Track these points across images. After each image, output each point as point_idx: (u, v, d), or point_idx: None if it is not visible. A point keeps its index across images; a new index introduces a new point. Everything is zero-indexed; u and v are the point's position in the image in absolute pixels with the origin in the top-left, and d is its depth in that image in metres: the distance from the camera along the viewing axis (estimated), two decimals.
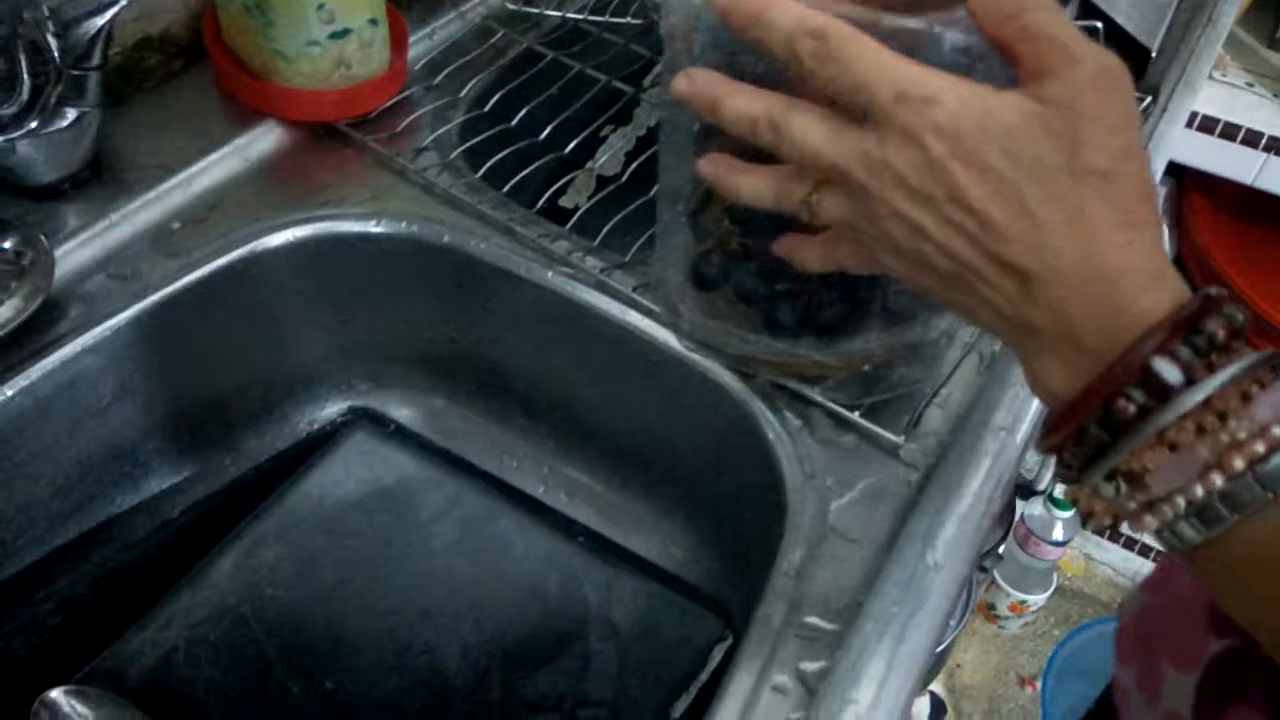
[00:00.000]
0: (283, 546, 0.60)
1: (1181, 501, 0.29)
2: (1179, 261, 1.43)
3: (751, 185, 0.36)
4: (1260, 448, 0.28)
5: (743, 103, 0.34)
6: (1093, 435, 0.30)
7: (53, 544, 0.56)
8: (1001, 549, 1.47)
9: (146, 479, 0.60)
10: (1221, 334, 0.29)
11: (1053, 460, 0.33)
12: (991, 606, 1.52)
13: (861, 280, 0.47)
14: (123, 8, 0.53)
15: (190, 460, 0.62)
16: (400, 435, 0.67)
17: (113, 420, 0.57)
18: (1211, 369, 0.28)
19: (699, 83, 0.35)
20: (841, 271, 0.48)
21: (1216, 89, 1.22)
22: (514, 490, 0.65)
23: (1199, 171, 1.25)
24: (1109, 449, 0.30)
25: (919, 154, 0.30)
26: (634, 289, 0.58)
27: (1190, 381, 0.28)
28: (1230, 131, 1.19)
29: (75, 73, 0.54)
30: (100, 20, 0.53)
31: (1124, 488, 0.30)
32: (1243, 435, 0.28)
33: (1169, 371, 0.28)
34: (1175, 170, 1.30)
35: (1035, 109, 0.30)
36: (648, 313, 0.57)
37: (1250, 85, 1.23)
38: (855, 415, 0.51)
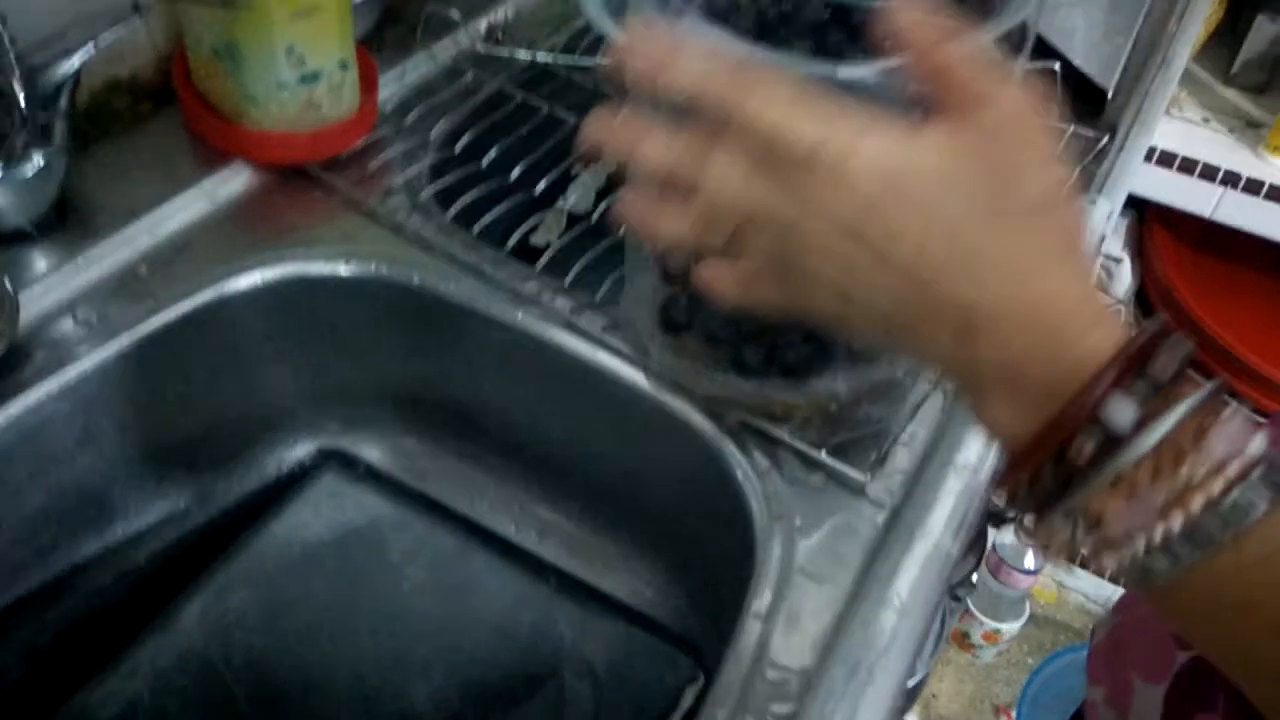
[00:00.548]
0: (251, 591, 0.60)
1: (1141, 542, 0.28)
2: (1141, 292, 1.45)
3: (672, 228, 0.34)
4: (1218, 486, 0.27)
5: (655, 148, 0.33)
6: (1048, 478, 0.30)
7: (14, 594, 0.55)
8: (974, 578, 1.47)
9: (111, 525, 0.59)
10: (1170, 370, 0.28)
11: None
12: (966, 635, 1.53)
13: None
14: (91, 55, 0.53)
15: (156, 506, 0.61)
16: (370, 476, 0.67)
17: (77, 467, 0.56)
18: (1163, 406, 0.28)
19: (608, 128, 0.34)
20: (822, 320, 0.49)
21: (1174, 124, 1.25)
22: (485, 530, 0.65)
23: (1160, 204, 1.28)
24: (1065, 491, 0.29)
25: (849, 195, 0.30)
26: (603, 329, 0.58)
27: (1143, 422, 0.28)
28: (1188, 165, 1.22)
29: (42, 118, 0.54)
30: (68, 66, 0.53)
31: (1081, 527, 0.29)
32: (1199, 474, 0.27)
33: (1121, 414, 0.28)
34: (1136, 203, 1.33)
35: (958, 149, 0.30)
36: (617, 353, 0.57)
37: (1206, 120, 1.26)
38: (822, 454, 0.52)
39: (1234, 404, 0.29)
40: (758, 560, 0.48)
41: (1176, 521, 0.28)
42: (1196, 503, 0.27)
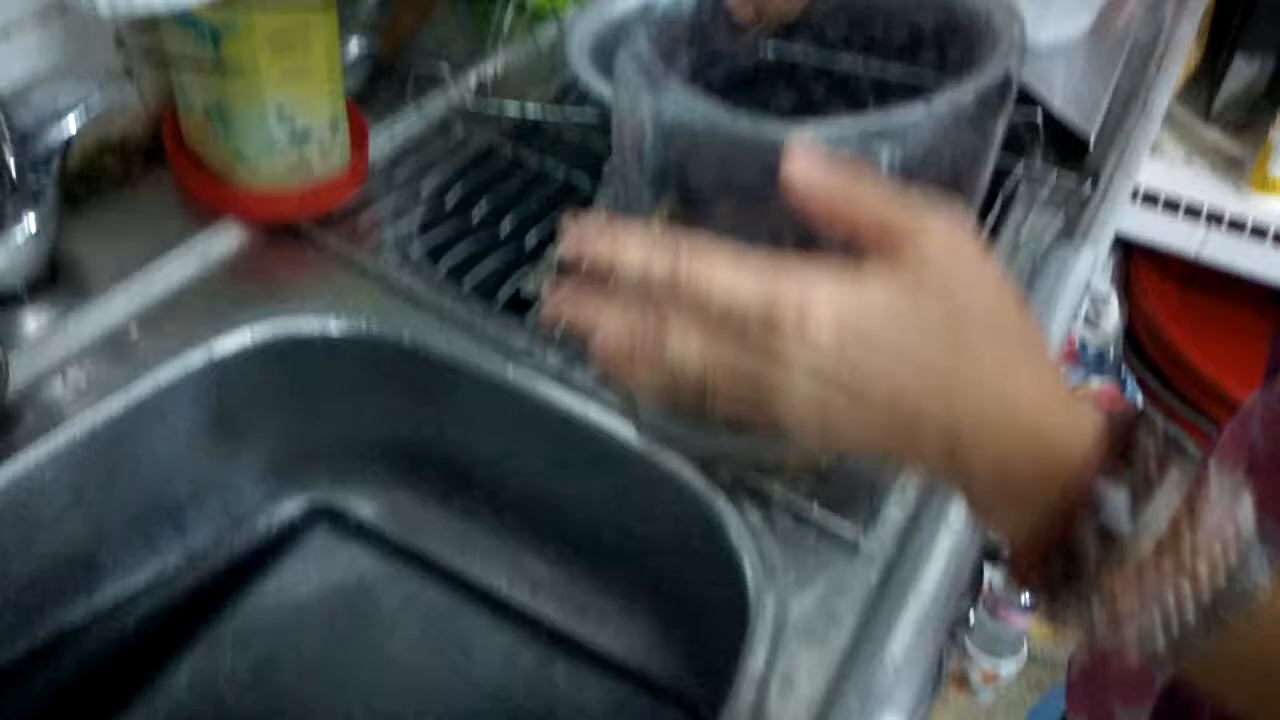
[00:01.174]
0: (242, 652, 0.59)
1: (1156, 619, 0.29)
2: (1129, 330, 1.46)
3: (647, 380, 0.34)
4: (1222, 558, 0.28)
5: (612, 321, 0.33)
6: (1055, 567, 0.30)
7: (1, 662, 0.55)
8: (971, 616, 1.47)
9: (100, 588, 0.59)
10: (1154, 448, 0.29)
11: None
12: (964, 676, 1.51)
13: None
14: (82, 120, 0.54)
15: (145, 568, 0.61)
16: (361, 532, 0.67)
17: (65, 531, 0.56)
18: (1153, 488, 0.29)
19: (565, 300, 0.34)
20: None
21: (1156, 163, 1.26)
22: (477, 587, 0.65)
23: (1145, 243, 1.29)
24: (1075, 578, 0.30)
25: (813, 349, 0.31)
26: (594, 383, 0.58)
27: (1136, 509, 0.29)
28: (1172, 204, 1.23)
29: (33, 182, 0.54)
30: (59, 131, 0.53)
31: (1095, 608, 0.30)
32: (1202, 548, 0.28)
33: (1114, 505, 0.29)
34: (1122, 241, 1.34)
35: (902, 283, 0.31)
36: (608, 407, 0.57)
37: (1188, 159, 1.28)
38: (814, 510, 0.52)
39: (1215, 472, 0.29)
40: (751, 618, 0.48)
41: (1186, 604, 0.28)
42: (1203, 589, 0.28)
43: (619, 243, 0.33)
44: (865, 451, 0.34)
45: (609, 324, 0.33)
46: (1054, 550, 0.30)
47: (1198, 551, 0.28)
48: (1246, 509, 0.29)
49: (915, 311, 0.30)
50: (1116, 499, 0.29)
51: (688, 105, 0.40)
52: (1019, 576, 0.32)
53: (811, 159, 0.32)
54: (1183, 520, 0.28)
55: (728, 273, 0.31)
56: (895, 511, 0.52)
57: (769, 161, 0.36)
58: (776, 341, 0.31)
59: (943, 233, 0.31)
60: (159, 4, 0.30)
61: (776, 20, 0.54)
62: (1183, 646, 0.29)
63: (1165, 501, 0.28)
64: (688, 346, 0.32)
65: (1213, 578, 0.28)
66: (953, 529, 0.49)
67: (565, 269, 0.35)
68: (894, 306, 0.31)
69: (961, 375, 0.30)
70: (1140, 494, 0.29)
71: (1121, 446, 0.29)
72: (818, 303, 0.30)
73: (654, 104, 0.41)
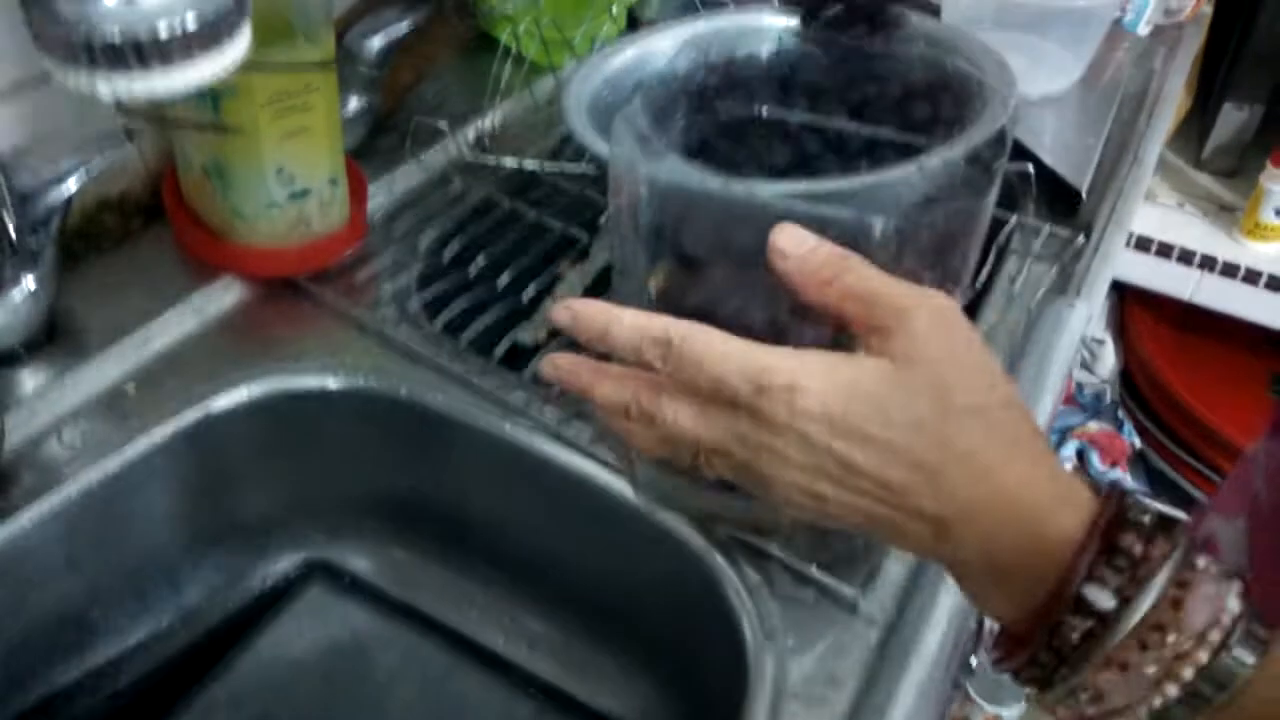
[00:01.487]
0: (236, 711, 0.58)
1: (1143, 710, 0.29)
2: (1126, 373, 1.47)
3: (643, 444, 0.35)
4: (1204, 655, 0.29)
5: (609, 390, 0.34)
6: (1045, 660, 0.31)
7: None
8: (973, 661, 1.45)
9: (92, 649, 0.58)
10: (1139, 547, 0.30)
11: None
12: None
13: None
14: (82, 180, 0.54)
15: (138, 626, 0.60)
16: (357, 588, 0.66)
17: (58, 590, 0.55)
18: (1139, 583, 0.29)
19: (564, 368, 0.36)
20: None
21: (1149, 209, 1.27)
22: (473, 644, 0.64)
23: (1140, 287, 1.30)
24: (1062, 670, 0.30)
25: (797, 438, 0.31)
26: (591, 440, 0.58)
27: (1123, 601, 0.29)
28: (1165, 250, 1.24)
29: (32, 243, 0.54)
30: (58, 193, 0.54)
31: (1084, 700, 0.30)
32: (1185, 646, 0.29)
33: (1101, 598, 0.29)
34: (1117, 285, 1.35)
35: (890, 368, 0.31)
36: (605, 464, 0.57)
37: (1181, 205, 1.29)
38: (813, 570, 0.51)
39: (1204, 562, 0.30)
40: (750, 683, 0.47)
41: (1172, 691, 0.29)
42: (1187, 672, 0.29)
43: (611, 323, 0.33)
44: (856, 529, 0.34)
45: (604, 393, 0.34)
46: (1040, 635, 0.30)
47: (1181, 637, 0.29)
48: (1235, 596, 0.29)
49: (904, 407, 0.31)
50: (1102, 597, 0.29)
51: (682, 173, 0.40)
52: (1006, 659, 0.32)
53: (798, 237, 0.33)
54: (1167, 610, 0.29)
55: (719, 351, 0.32)
56: (894, 571, 0.52)
57: (763, 226, 0.37)
58: (763, 425, 0.31)
59: (933, 315, 0.32)
60: (159, 87, 0.30)
61: None
62: None
63: (1151, 599, 0.29)
64: (679, 419, 0.33)
65: (1194, 658, 0.28)
66: (953, 591, 0.49)
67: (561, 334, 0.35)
68: (882, 393, 0.31)
69: (950, 469, 0.31)
70: (1127, 590, 0.29)
71: (1107, 542, 0.30)
72: (806, 390, 0.31)
73: (649, 170, 0.41)
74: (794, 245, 0.33)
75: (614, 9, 0.88)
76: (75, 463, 0.54)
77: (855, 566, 0.52)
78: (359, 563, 0.68)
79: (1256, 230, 1.21)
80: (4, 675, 0.54)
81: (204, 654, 0.62)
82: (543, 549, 0.63)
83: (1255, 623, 0.29)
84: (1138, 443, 1.46)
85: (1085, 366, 1.47)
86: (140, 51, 0.29)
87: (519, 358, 0.74)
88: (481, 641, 0.64)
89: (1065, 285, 0.70)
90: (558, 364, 0.36)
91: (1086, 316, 0.65)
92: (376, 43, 0.72)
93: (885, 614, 0.50)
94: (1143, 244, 1.25)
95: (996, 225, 0.74)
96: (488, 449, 0.60)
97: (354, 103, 0.74)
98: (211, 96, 0.57)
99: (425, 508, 0.66)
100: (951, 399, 0.31)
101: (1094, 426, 1.45)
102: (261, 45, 0.54)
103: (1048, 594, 0.30)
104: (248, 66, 0.55)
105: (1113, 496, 0.31)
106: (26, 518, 0.52)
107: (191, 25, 0.29)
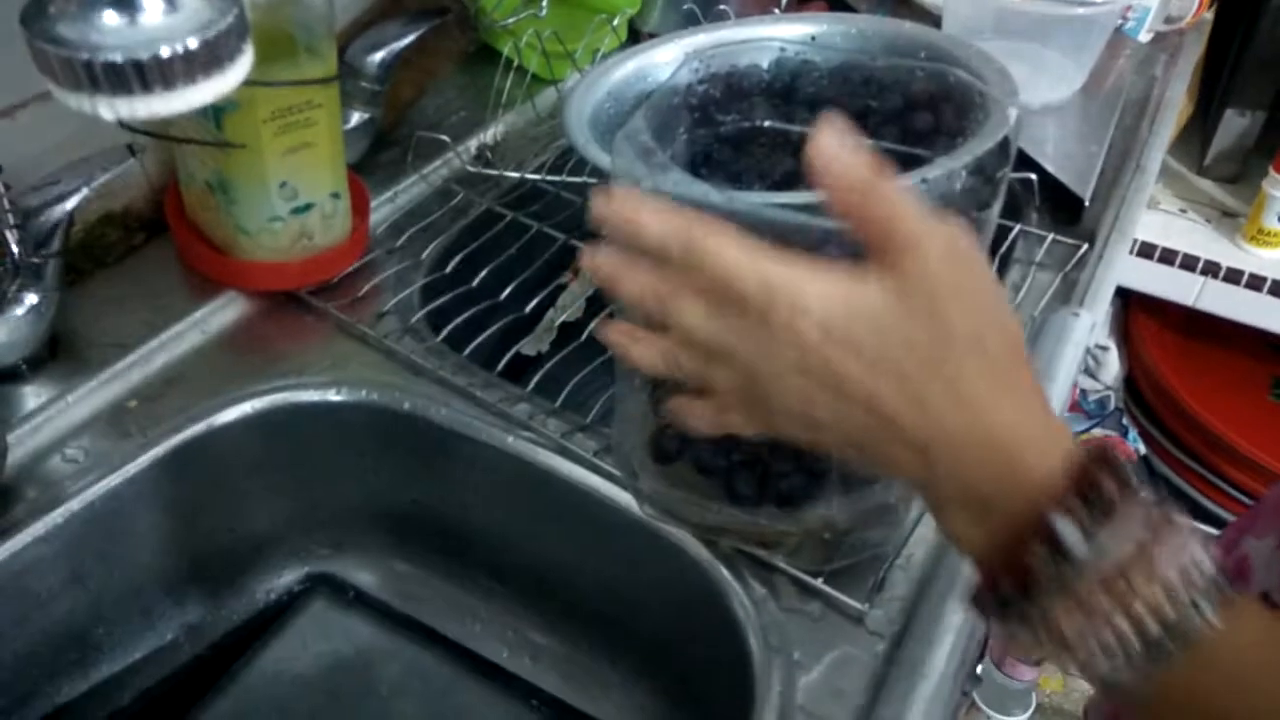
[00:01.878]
0: None
1: (1100, 654, 0.30)
2: (1130, 379, 1.46)
3: (646, 356, 0.37)
4: (1166, 604, 0.29)
5: (634, 284, 0.36)
6: (1011, 594, 0.31)
7: None
8: (979, 670, 1.45)
9: (96, 665, 0.58)
10: (1114, 491, 0.30)
11: None
12: None
13: (815, 451, 0.48)
14: (84, 196, 0.54)
15: (142, 641, 0.60)
16: (360, 602, 0.66)
17: (62, 608, 0.55)
18: (1110, 527, 0.30)
19: (600, 261, 0.37)
20: (794, 443, 0.49)
21: (1153, 215, 1.27)
22: (477, 657, 0.64)
23: (1143, 293, 1.30)
24: (1027, 606, 0.31)
25: (796, 342, 0.32)
26: (595, 453, 0.58)
27: (1093, 543, 0.30)
28: (1169, 256, 1.24)
29: (35, 260, 0.54)
30: (61, 210, 0.54)
31: (1045, 638, 0.31)
32: (1148, 593, 0.29)
33: (1070, 534, 0.30)
34: (1121, 292, 1.34)
35: (895, 290, 0.32)
36: (609, 477, 0.57)
37: (1183, 211, 1.29)
38: (819, 582, 0.51)
39: (1177, 519, 0.30)
40: (757, 696, 0.47)
41: (1131, 637, 0.29)
42: (1148, 620, 0.29)
43: (641, 211, 0.34)
44: (843, 450, 0.34)
45: (630, 285, 0.36)
46: (1006, 563, 0.31)
47: (1148, 586, 0.29)
48: (1202, 554, 0.30)
49: (901, 327, 0.32)
50: (1072, 536, 0.30)
51: (686, 186, 0.40)
52: (976, 598, 0.33)
53: (841, 141, 0.32)
54: (1132, 558, 0.29)
55: (734, 254, 0.33)
56: (901, 582, 0.52)
57: (768, 239, 0.37)
58: (766, 329, 0.32)
59: (947, 246, 0.32)
60: (161, 109, 0.30)
61: None
62: (1127, 678, 0.30)
63: (1118, 542, 0.29)
64: (691, 317, 0.34)
65: (1161, 611, 0.29)
66: (961, 605, 0.49)
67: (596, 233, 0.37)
68: (881, 318, 0.32)
69: (939, 398, 0.31)
70: (1093, 531, 0.30)
71: (1084, 483, 0.30)
72: (810, 296, 0.32)
73: (652, 184, 0.41)
74: (833, 145, 0.32)
75: (615, 21, 0.88)
76: (78, 479, 0.54)
77: (861, 578, 0.51)
78: (362, 576, 0.68)
79: (1260, 236, 1.21)
80: (8, 692, 0.54)
81: (207, 669, 0.61)
82: (546, 561, 0.63)
83: (1223, 581, 0.29)
84: (1142, 449, 1.46)
85: (1089, 373, 1.46)
86: (142, 73, 0.29)
87: (522, 370, 0.74)
88: (485, 654, 0.64)
89: (1069, 294, 0.70)
90: (596, 255, 0.37)
91: (1091, 325, 0.65)
92: (378, 57, 0.72)
93: (892, 626, 0.50)
94: (1146, 250, 1.24)
95: (1000, 234, 0.74)
96: (491, 462, 0.60)
97: (356, 117, 0.74)
98: (214, 112, 0.57)
99: (428, 521, 0.66)
100: (952, 329, 0.32)
101: (1099, 433, 1.45)
102: (264, 61, 0.54)
103: (1019, 525, 0.31)
104: (250, 82, 0.55)
105: (1097, 444, 0.31)
106: (29, 534, 0.52)
107: (193, 47, 0.29)
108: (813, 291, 0.32)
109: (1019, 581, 0.31)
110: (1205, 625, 0.29)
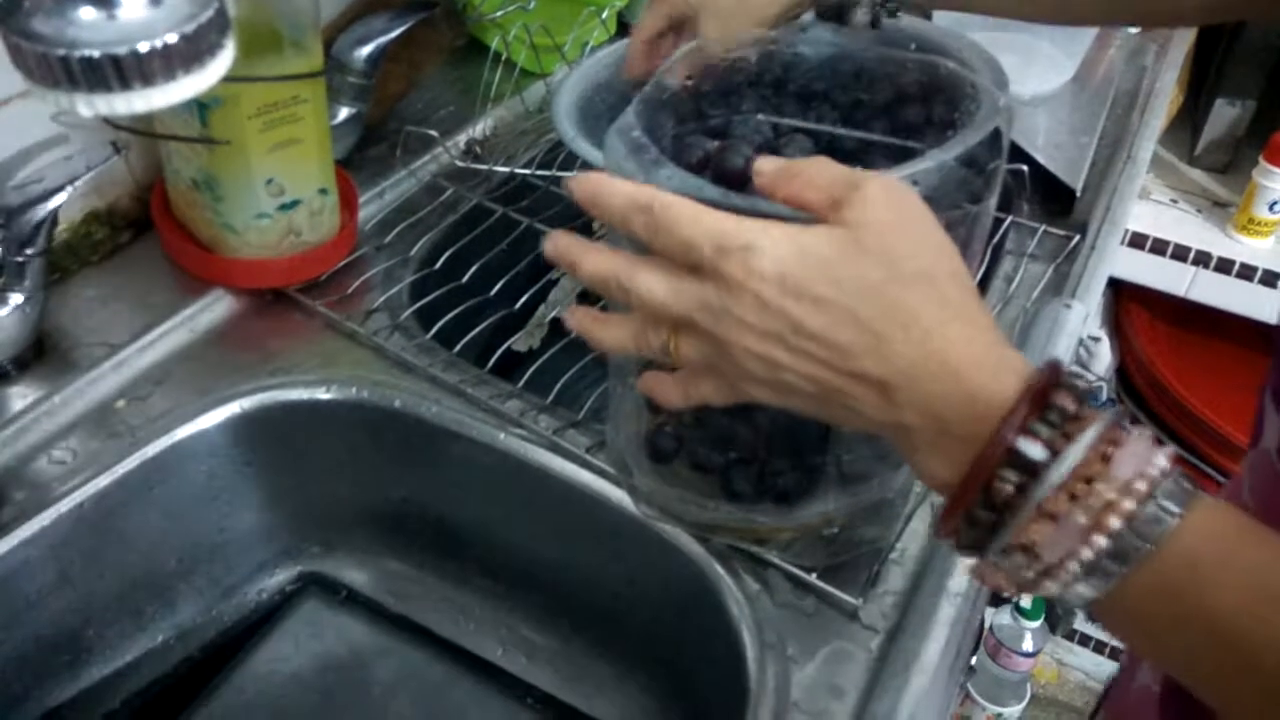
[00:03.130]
0: None
1: (1074, 564, 0.30)
2: (1122, 369, 1.47)
3: (613, 336, 0.38)
4: (1130, 504, 0.30)
5: (596, 263, 0.37)
6: (981, 517, 0.32)
7: None
8: (973, 661, 1.45)
9: (86, 667, 0.58)
10: (1071, 405, 0.31)
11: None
12: None
13: (812, 446, 0.48)
14: (69, 194, 0.53)
15: (133, 644, 0.60)
16: (352, 601, 0.66)
17: (51, 610, 0.55)
18: (1069, 438, 0.30)
19: (560, 245, 0.38)
20: (791, 440, 0.48)
21: (1144, 206, 1.27)
22: (470, 655, 0.64)
23: (1134, 284, 1.30)
24: (997, 527, 0.32)
25: (752, 298, 0.33)
26: (587, 449, 0.57)
27: (1054, 454, 0.30)
28: (1160, 247, 1.24)
29: (19, 259, 0.54)
30: (45, 208, 0.53)
31: (1020, 559, 0.31)
32: (1111, 495, 0.30)
33: (1032, 449, 0.30)
34: (1112, 282, 1.34)
35: (842, 234, 0.33)
36: (601, 473, 0.57)
37: (1174, 201, 1.29)
38: (813, 577, 0.51)
39: (1135, 429, 0.31)
40: (751, 695, 0.47)
41: (1100, 541, 0.30)
42: (1114, 521, 0.30)
43: (607, 189, 0.37)
44: (809, 408, 0.36)
45: (591, 265, 0.37)
46: (975, 490, 0.32)
47: (1107, 486, 0.30)
48: (1162, 457, 0.30)
49: (853, 261, 0.33)
50: (1034, 449, 0.30)
51: (680, 181, 0.40)
52: (946, 525, 0.33)
53: (779, 162, 0.36)
54: (1095, 463, 0.30)
55: (690, 215, 0.34)
56: (894, 575, 0.52)
57: None
58: (725, 277, 0.33)
59: (884, 188, 0.34)
60: (141, 105, 0.29)
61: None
62: (1099, 581, 0.30)
63: (1080, 449, 0.30)
64: (654, 289, 0.35)
65: (1119, 507, 0.30)
66: (954, 600, 0.48)
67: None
68: (832, 256, 0.33)
69: (892, 330, 0.33)
70: (1057, 447, 0.30)
71: (1042, 401, 0.31)
72: (762, 246, 0.33)
73: (646, 180, 0.41)
74: (767, 163, 0.36)
75: (604, 14, 0.88)
76: (66, 480, 0.54)
77: (855, 572, 0.51)
78: (354, 575, 0.68)
79: (1250, 226, 1.21)
80: (0, 696, 0.54)
81: (200, 670, 0.61)
82: (539, 559, 0.62)
83: (1183, 479, 0.30)
84: None
85: (1082, 364, 1.46)
86: (120, 69, 0.28)
87: (513, 366, 0.73)
88: (479, 652, 0.64)
89: (1061, 285, 0.70)
90: (556, 240, 0.38)
91: (1083, 316, 0.65)
92: (365, 51, 0.71)
93: (886, 621, 0.50)
94: (1137, 241, 1.24)
95: (991, 225, 0.73)
96: (482, 459, 0.59)
97: (343, 112, 0.73)
98: (199, 109, 0.57)
99: (420, 519, 0.65)
100: (899, 265, 0.33)
101: None
102: (249, 56, 0.54)
103: (983, 450, 0.31)
104: (235, 78, 0.55)
105: (1051, 365, 0.32)
106: (18, 536, 0.51)
107: (172, 41, 0.29)
108: (763, 246, 0.33)
109: (989, 503, 0.32)
110: (1167, 516, 0.30)
